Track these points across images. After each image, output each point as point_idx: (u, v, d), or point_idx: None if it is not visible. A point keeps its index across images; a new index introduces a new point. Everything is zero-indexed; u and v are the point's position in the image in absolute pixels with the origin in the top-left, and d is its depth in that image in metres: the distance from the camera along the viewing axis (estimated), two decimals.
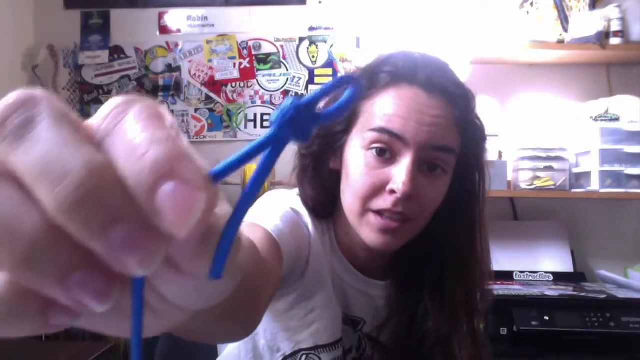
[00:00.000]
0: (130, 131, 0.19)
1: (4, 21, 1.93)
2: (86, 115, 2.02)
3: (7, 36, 1.95)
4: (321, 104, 0.22)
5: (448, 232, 0.74)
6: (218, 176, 0.21)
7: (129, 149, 0.19)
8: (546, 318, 1.50)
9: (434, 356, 0.75)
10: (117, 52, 2.06)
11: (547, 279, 1.78)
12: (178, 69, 2.05)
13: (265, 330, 0.75)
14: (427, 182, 0.67)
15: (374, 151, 0.67)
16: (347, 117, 0.71)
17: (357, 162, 0.68)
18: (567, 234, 1.89)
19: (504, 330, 1.53)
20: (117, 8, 2.07)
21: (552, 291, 1.62)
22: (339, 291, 0.76)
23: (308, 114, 0.21)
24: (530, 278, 1.79)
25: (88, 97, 2.06)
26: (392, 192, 0.65)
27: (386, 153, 0.66)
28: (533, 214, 1.96)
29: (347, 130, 0.72)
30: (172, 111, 2.05)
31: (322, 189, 0.75)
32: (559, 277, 1.79)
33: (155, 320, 0.24)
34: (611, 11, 1.78)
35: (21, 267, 0.18)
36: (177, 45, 2.06)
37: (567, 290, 1.66)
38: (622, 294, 1.61)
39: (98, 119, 0.20)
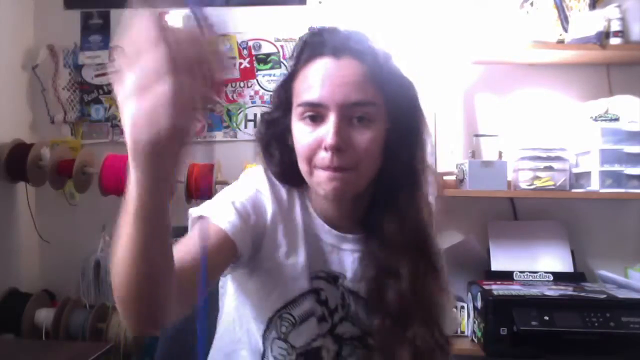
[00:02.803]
0: None
1: (4, 21, 1.92)
2: (86, 115, 2.03)
3: (7, 36, 1.95)
4: None
5: (394, 177, 0.82)
6: None
7: None
8: (546, 318, 1.49)
9: (407, 303, 0.79)
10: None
11: (547, 279, 1.78)
12: None
13: (241, 325, 0.87)
14: (357, 133, 0.76)
15: (306, 120, 0.78)
16: (284, 100, 0.82)
17: (297, 132, 0.79)
18: (567, 234, 1.88)
19: (504, 330, 1.53)
20: (117, 8, 2.07)
21: (552, 291, 1.62)
22: (316, 249, 0.84)
23: None
24: (530, 278, 1.79)
25: (88, 97, 2.05)
26: (325, 147, 0.75)
27: (317, 118, 0.77)
28: (533, 214, 1.96)
29: (287, 111, 0.82)
30: None
31: (287, 163, 0.83)
32: (559, 277, 1.79)
33: None
34: (611, 11, 1.77)
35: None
36: None
37: (567, 290, 1.65)
38: (622, 294, 1.61)
39: None
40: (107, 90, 2.05)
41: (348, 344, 0.86)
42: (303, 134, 0.78)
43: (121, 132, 2.15)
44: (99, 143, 2.03)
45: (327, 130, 0.75)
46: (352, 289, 0.85)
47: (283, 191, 0.85)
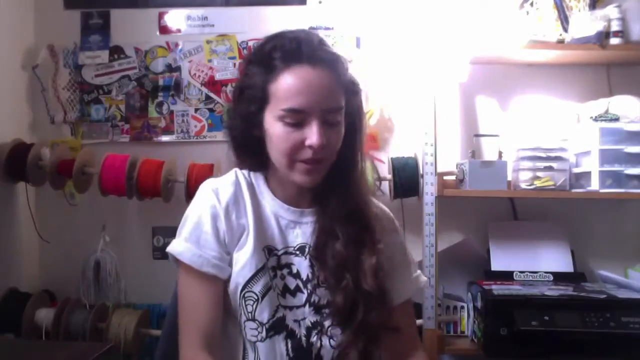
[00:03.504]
0: None
1: (4, 21, 1.92)
2: (86, 115, 2.03)
3: (7, 36, 1.95)
4: None
5: (343, 162, 0.95)
6: None
7: None
8: (546, 318, 1.50)
9: (342, 259, 0.92)
10: (117, 52, 2.06)
11: (547, 279, 1.78)
12: (178, 69, 2.05)
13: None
14: (331, 132, 0.90)
15: (288, 122, 0.88)
16: (260, 98, 0.90)
17: (276, 130, 0.89)
18: (567, 234, 1.89)
19: (504, 330, 1.53)
20: (117, 8, 2.07)
21: (552, 291, 1.62)
22: (279, 227, 0.96)
23: None
24: (530, 278, 1.79)
25: (88, 97, 2.05)
26: (310, 147, 0.87)
27: (297, 122, 0.88)
28: (533, 214, 1.96)
29: (262, 108, 0.91)
30: (172, 111, 2.05)
31: (255, 152, 0.95)
32: (559, 277, 1.79)
33: None
34: (611, 11, 1.78)
35: None
36: (177, 45, 2.06)
37: (567, 290, 1.66)
38: (622, 294, 1.61)
39: None
40: (107, 91, 2.05)
41: (328, 314, 0.93)
42: (285, 134, 0.88)
43: (121, 132, 2.15)
44: (99, 143, 2.03)
45: (311, 133, 0.87)
46: (316, 256, 0.95)
47: (229, 192, 0.95)
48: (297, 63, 0.87)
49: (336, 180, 0.95)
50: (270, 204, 0.97)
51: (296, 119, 0.87)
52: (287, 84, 0.87)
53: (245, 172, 1.00)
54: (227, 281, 0.93)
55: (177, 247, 0.92)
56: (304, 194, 0.98)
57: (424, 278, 1.06)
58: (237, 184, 0.97)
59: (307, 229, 0.97)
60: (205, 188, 0.96)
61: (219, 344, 0.92)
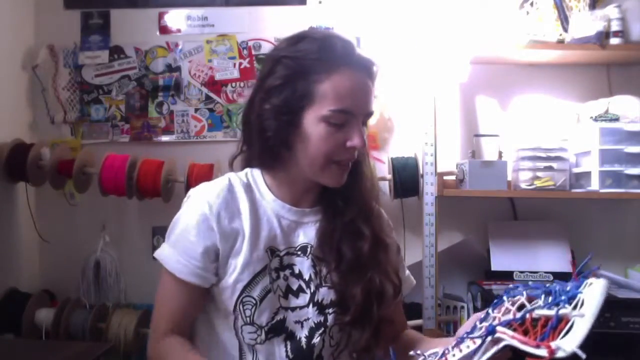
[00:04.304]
0: None
1: (4, 21, 1.92)
2: (86, 115, 2.03)
3: (7, 36, 1.95)
4: None
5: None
6: None
7: None
8: None
9: (364, 254, 0.94)
10: (117, 52, 2.06)
11: (547, 279, 1.78)
12: (178, 69, 2.05)
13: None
14: (363, 134, 0.92)
15: (332, 123, 0.89)
16: (301, 96, 0.88)
17: (318, 130, 0.89)
18: (567, 234, 1.89)
19: None
20: (117, 8, 2.07)
21: None
22: (280, 229, 0.95)
23: None
24: (530, 278, 1.79)
25: (88, 97, 2.05)
26: (352, 147, 0.90)
27: (341, 123, 0.89)
28: (533, 214, 1.96)
29: (305, 107, 0.89)
30: (172, 111, 2.05)
31: (278, 152, 0.94)
32: (559, 277, 1.79)
33: None
34: (611, 11, 1.78)
35: None
36: (177, 45, 2.06)
37: None
38: (622, 294, 1.61)
39: None
40: (107, 91, 2.05)
41: (331, 313, 0.93)
42: (328, 134, 0.89)
43: (121, 132, 2.15)
44: (99, 143, 2.03)
45: (354, 134, 0.90)
46: (319, 255, 0.95)
47: (220, 197, 0.93)
48: (345, 65, 0.88)
49: (350, 180, 0.96)
50: (271, 205, 0.95)
51: (341, 120, 0.88)
52: (338, 86, 0.88)
53: (242, 174, 0.98)
54: (215, 287, 0.92)
55: (163, 252, 0.93)
56: (307, 194, 0.98)
57: (413, 279, 1.08)
58: (230, 188, 0.94)
59: (308, 229, 0.97)
60: (196, 195, 0.94)
61: (188, 333, 0.95)
